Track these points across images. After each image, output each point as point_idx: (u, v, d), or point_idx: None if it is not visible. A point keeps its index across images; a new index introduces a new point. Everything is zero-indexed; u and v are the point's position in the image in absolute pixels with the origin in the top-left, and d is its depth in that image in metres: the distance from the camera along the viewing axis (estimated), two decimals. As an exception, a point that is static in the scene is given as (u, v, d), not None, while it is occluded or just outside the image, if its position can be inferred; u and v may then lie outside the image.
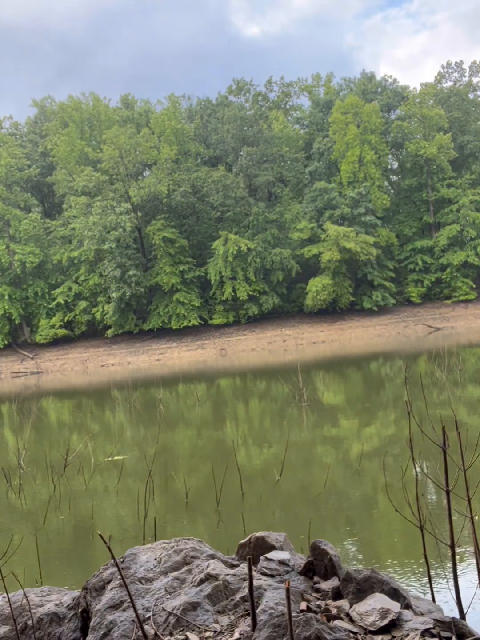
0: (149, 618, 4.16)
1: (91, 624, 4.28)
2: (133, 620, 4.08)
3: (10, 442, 18.21)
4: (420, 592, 5.73)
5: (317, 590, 4.34)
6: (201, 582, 4.38)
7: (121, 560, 4.75)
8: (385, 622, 3.76)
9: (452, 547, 4.66)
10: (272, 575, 4.39)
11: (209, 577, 4.38)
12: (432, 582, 5.22)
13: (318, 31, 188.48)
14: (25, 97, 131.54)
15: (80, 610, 4.59)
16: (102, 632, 4.13)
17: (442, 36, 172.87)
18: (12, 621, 4.55)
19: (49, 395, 30.83)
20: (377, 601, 3.94)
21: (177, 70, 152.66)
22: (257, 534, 4.92)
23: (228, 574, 4.41)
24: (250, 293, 57.00)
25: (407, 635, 3.65)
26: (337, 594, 4.22)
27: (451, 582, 4.79)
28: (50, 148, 63.69)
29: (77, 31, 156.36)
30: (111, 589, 4.47)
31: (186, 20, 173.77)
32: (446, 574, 6.09)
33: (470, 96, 67.14)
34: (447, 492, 4.69)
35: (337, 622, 3.77)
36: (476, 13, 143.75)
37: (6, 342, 59.31)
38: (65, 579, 7.27)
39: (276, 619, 3.76)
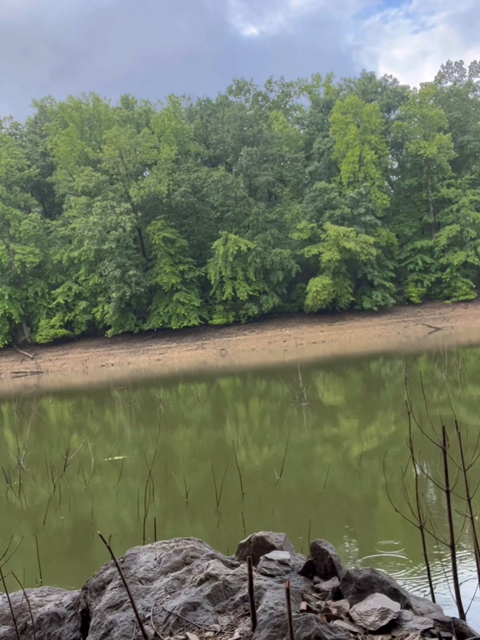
0: (149, 618, 4.16)
1: (91, 624, 4.28)
2: (133, 620, 4.08)
3: (10, 442, 18.20)
4: (420, 592, 5.73)
5: (317, 590, 4.34)
6: (201, 582, 4.37)
7: (121, 560, 4.75)
8: (385, 622, 3.76)
9: (452, 547, 4.66)
10: (272, 575, 4.38)
11: (209, 577, 4.38)
12: (432, 582, 5.22)
13: (316, 32, 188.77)
14: (18, 98, 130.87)
15: (80, 610, 4.59)
16: (102, 632, 4.13)
17: (441, 36, 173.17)
18: (12, 621, 4.55)
19: (49, 395, 30.82)
20: (377, 601, 3.94)
21: (174, 72, 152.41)
22: (257, 534, 4.91)
23: (228, 574, 4.41)
24: (250, 293, 56.99)
25: (407, 635, 3.65)
26: (337, 594, 4.22)
27: (451, 582, 4.79)
28: (50, 148, 63.66)
29: (73, 33, 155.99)
30: (111, 589, 4.47)
31: (183, 22, 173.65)
32: (446, 574, 6.09)
33: (470, 96, 67.17)
34: (447, 492, 4.69)
35: (337, 622, 3.77)
36: (475, 13, 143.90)
37: (6, 342, 59.30)
38: (65, 579, 7.27)
39: (276, 619, 3.76)
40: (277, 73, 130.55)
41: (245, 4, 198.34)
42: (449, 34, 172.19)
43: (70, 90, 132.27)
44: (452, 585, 4.74)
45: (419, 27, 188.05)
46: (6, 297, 58.43)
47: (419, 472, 9.10)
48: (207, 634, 3.94)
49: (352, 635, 3.68)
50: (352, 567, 4.90)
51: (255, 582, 4.14)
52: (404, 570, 6.50)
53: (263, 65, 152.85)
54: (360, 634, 3.71)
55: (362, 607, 3.93)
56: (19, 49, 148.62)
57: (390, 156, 66.29)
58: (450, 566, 4.93)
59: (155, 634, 4.01)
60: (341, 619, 3.86)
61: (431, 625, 3.73)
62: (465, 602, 4.63)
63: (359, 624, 3.81)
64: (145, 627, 4.03)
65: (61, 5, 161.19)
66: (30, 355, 56.95)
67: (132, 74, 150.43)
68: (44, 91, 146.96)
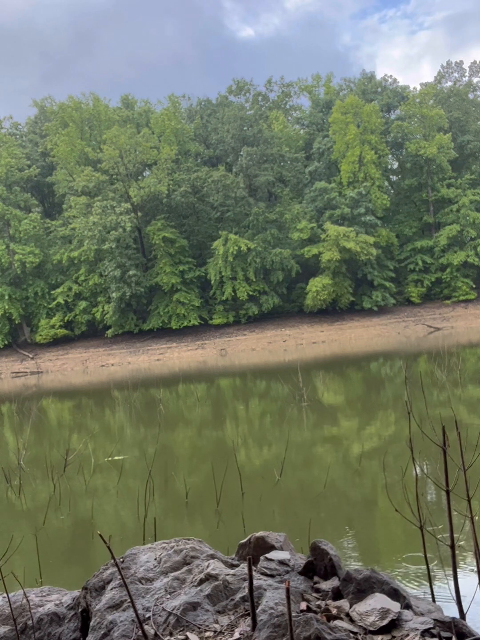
0: (149, 618, 4.16)
1: (91, 624, 4.28)
2: (133, 620, 4.08)
3: (10, 442, 18.20)
4: (420, 592, 5.73)
5: (317, 590, 4.34)
6: (201, 582, 4.37)
7: (121, 560, 4.75)
8: (385, 622, 3.76)
9: (452, 547, 4.65)
10: (272, 575, 4.38)
11: (209, 577, 4.38)
12: (432, 582, 5.22)
13: (313, 32, 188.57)
14: (9, 101, 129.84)
15: (80, 610, 4.59)
16: (102, 632, 4.13)
17: (439, 36, 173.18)
18: (12, 621, 4.55)
19: (49, 395, 30.81)
20: (377, 601, 3.94)
21: (169, 75, 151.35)
22: (257, 534, 4.91)
23: (228, 574, 4.41)
24: (250, 293, 56.98)
25: (407, 635, 3.65)
26: (337, 594, 4.22)
27: (451, 582, 4.79)
28: (50, 148, 63.66)
29: (63, 36, 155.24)
30: (111, 589, 4.47)
31: (177, 25, 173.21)
32: (446, 574, 6.09)
33: (470, 96, 67.18)
34: (447, 492, 4.69)
35: (337, 622, 3.77)
36: (474, 13, 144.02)
37: (6, 342, 59.30)
38: (65, 579, 7.27)
39: (276, 619, 3.76)
40: (274, 74, 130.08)
41: (241, 5, 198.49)
42: (451, 33, 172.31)
43: (61, 93, 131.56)
44: (452, 585, 4.74)
45: (417, 28, 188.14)
46: (6, 297, 58.42)
47: (419, 472, 9.10)
48: (207, 634, 3.94)
49: (352, 635, 3.68)
50: (352, 567, 4.91)
51: (255, 582, 4.14)
52: (404, 570, 6.50)
53: (260, 67, 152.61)
54: (360, 634, 3.71)
55: (362, 607, 3.93)
56: (8, 53, 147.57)
57: (390, 156, 66.26)
58: (450, 566, 4.93)
59: (155, 634, 4.01)
60: (341, 619, 3.86)
61: (431, 625, 3.73)
62: (465, 602, 4.63)
63: (359, 624, 3.81)
64: (145, 627, 4.03)
65: (51, 8, 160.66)
66: (30, 355, 56.94)
67: (126, 77, 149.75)
68: (34, 95, 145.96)
